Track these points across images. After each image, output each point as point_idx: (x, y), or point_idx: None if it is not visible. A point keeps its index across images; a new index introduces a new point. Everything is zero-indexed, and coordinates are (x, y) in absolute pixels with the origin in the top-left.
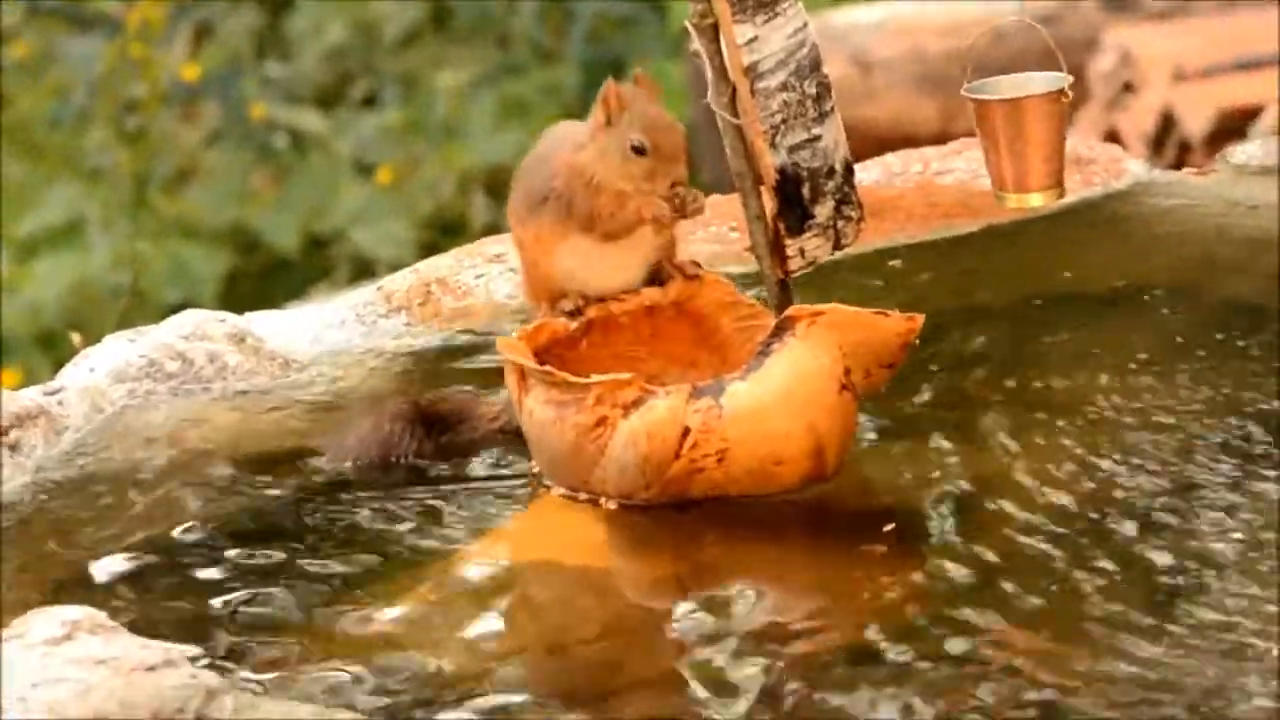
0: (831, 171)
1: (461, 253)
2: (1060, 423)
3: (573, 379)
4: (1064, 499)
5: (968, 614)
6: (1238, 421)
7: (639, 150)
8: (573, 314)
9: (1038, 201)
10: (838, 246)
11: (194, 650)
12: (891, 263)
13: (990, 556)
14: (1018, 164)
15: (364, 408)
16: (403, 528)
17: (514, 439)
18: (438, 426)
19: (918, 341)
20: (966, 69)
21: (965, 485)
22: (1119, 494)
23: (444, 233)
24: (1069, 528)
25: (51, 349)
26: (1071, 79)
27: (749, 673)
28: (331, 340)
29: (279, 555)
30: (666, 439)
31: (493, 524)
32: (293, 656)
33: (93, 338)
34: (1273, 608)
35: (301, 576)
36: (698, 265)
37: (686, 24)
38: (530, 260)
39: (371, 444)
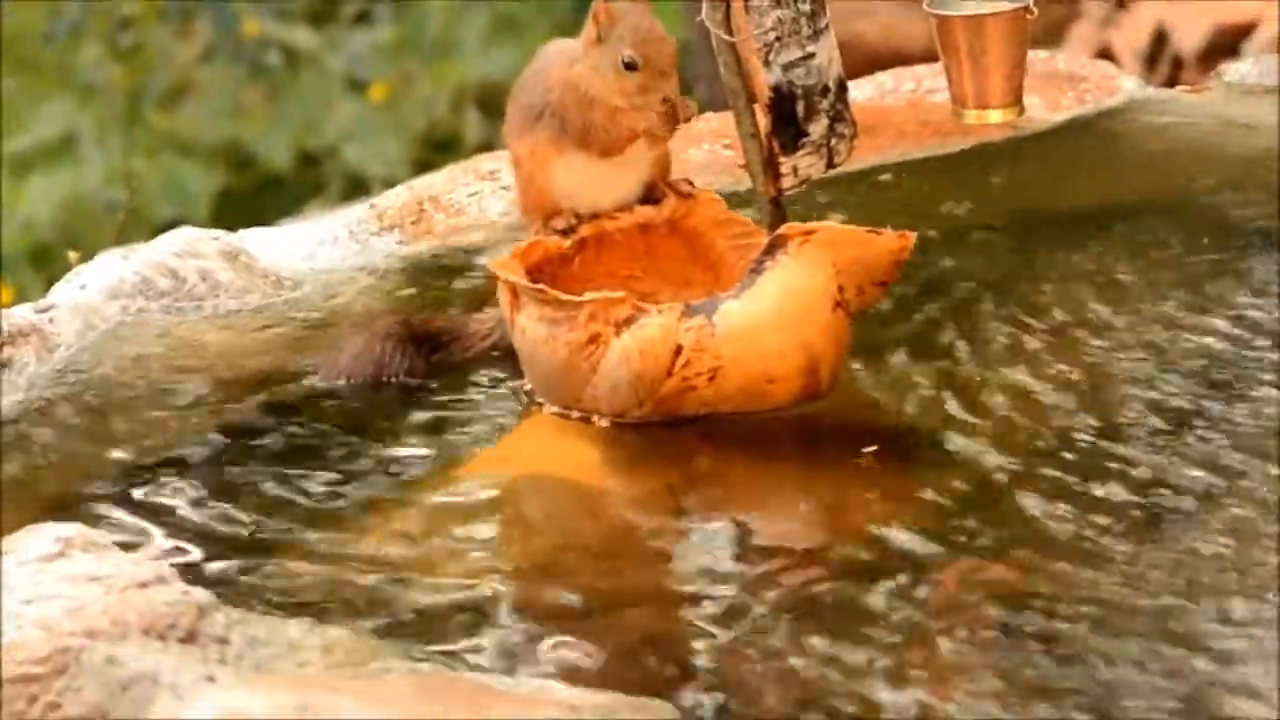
0: (825, 89)
1: (454, 170)
2: (1052, 340)
3: (565, 297)
4: (1063, 420)
5: (959, 530)
6: (1233, 334)
7: (630, 66)
8: (566, 232)
9: (997, 118)
10: (831, 164)
11: (187, 557)
12: (884, 179)
13: (982, 472)
14: (978, 80)
15: (356, 326)
16: (395, 447)
17: (506, 357)
18: (429, 345)
19: (911, 258)
20: None
21: (957, 402)
22: (1113, 411)
23: (437, 150)
24: (1062, 446)
25: (44, 266)
26: None
27: (742, 588)
28: (324, 258)
29: (270, 475)
30: (659, 357)
31: (485, 442)
32: (284, 573)
33: (87, 255)
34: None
35: (292, 496)
36: (691, 183)
37: None
38: (525, 176)
39: (364, 362)
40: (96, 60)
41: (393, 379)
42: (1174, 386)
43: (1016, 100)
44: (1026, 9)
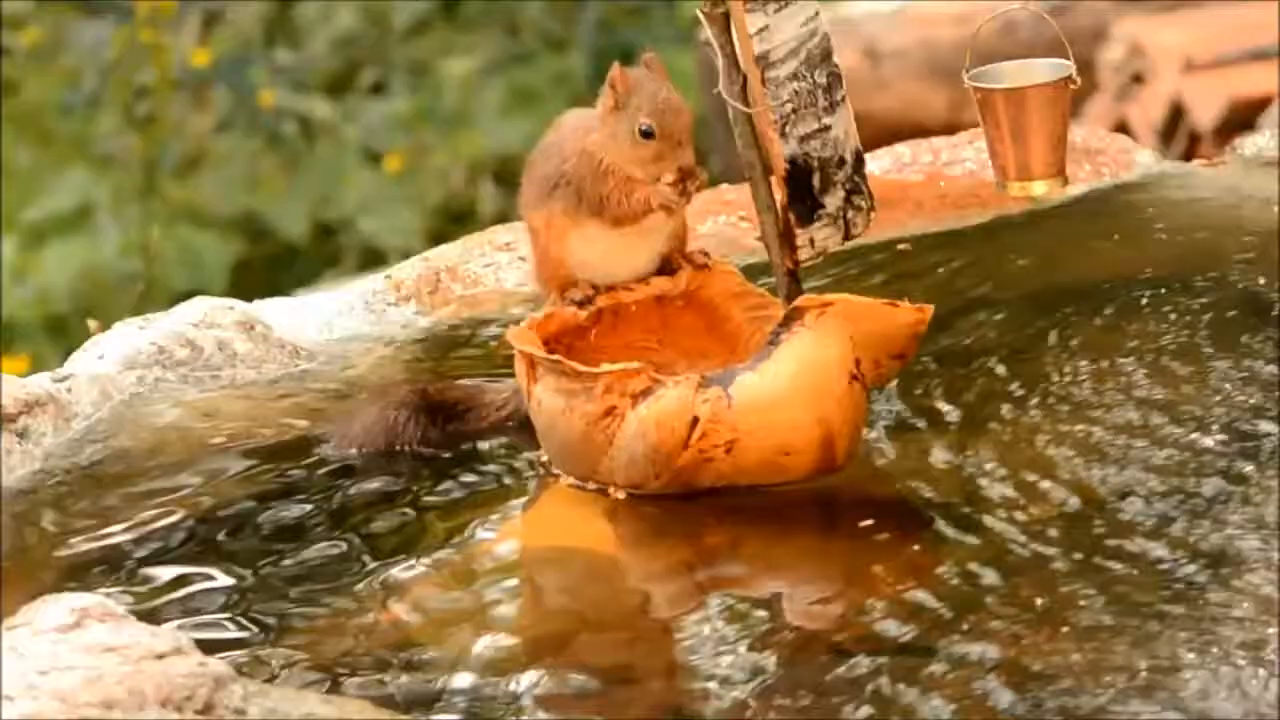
0: (842, 161)
1: (470, 241)
2: (1069, 414)
3: (582, 368)
4: (1073, 492)
5: (975, 607)
6: (1247, 414)
7: (647, 134)
8: (583, 303)
9: (1041, 190)
10: (848, 236)
11: (204, 628)
12: (901, 251)
13: (998, 549)
14: (1020, 152)
15: (370, 395)
16: (410, 517)
17: (521, 428)
18: (444, 414)
19: (927, 332)
20: (967, 57)
21: (975, 477)
22: (1130, 487)
23: (453, 221)
24: (1078, 521)
25: (60, 336)
26: (1075, 67)
27: (759, 662)
28: (340, 328)
29: (285, 546)
30: (675, 429)
31: (502, 513)
32: (302, 645)
33: (105, 324)
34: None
35: (308, 566)
36: (707, 255)
37: (698, 13)
38: (542, 247)
39: (377, 431)
40: (113, 130)
41: (406, 448)
42: (1192, 457)
43: (1060, 171)
44: (1069, 80)
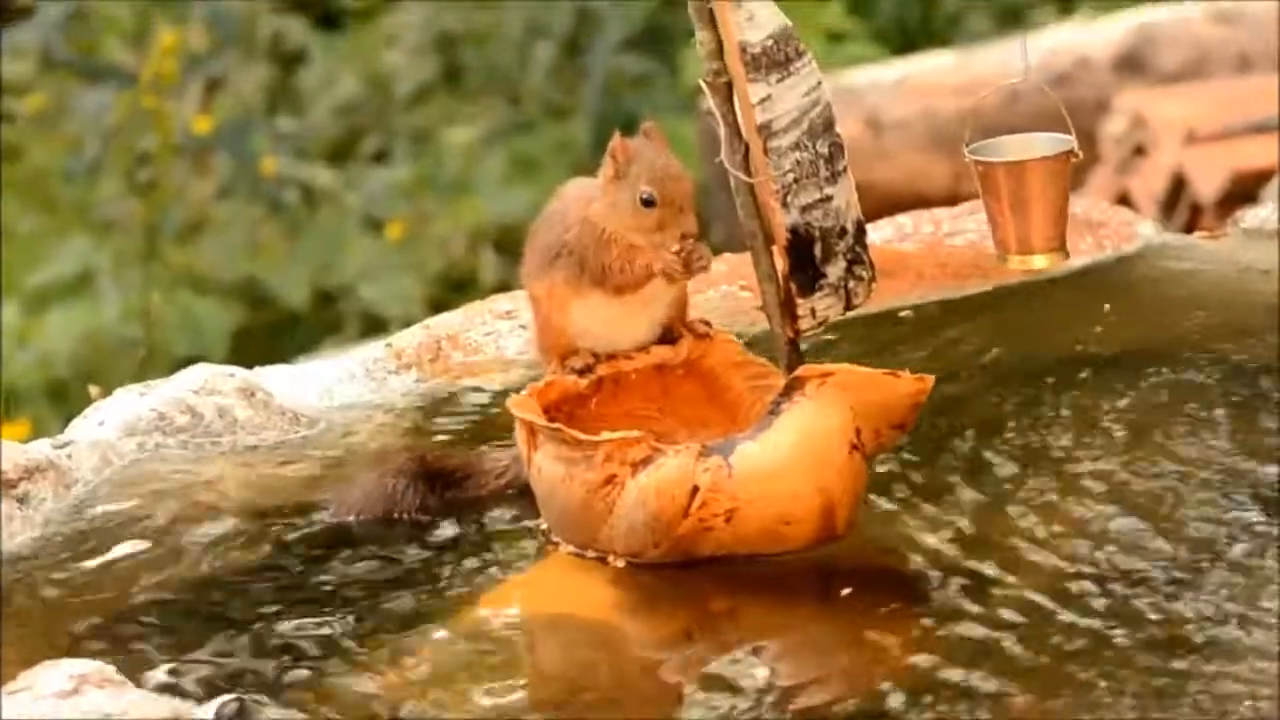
0: (843, 231)
1: (471, 309)
2: (1068, 484)
3: (582, 436)
4: (1071, 561)
5: (976, 675)
6: (1246, 487)
7: (648, 202)
8: (583, 371)
9: (1041, 263)
10: (849, 306)
11: (202, 709)
12: (902, 322)
13: (998, 617)
14: (1021, 226)
15: (369, 462)
16: (408, 584)
17: (521, 495)
18: (442, 482)
19: (927, 402)
20: (966, 130)
21: (973, 545)
22: (1126, 557)
23: (453, 289)
24: (1076, 589)
25: (61, 401)
26: (1075, 141)
27: None
28: (341, 395)
29: (284, 614)
30: (675, 498)
31: (501, 580)
32: (298, 714)
33: (107, 390)
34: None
35: (306, 633)
36: (708, 324)
37: (700, 82)
38: (543, 316)
39: (375, 499)
40: (115, 196)
41: (404, 515)
42: (1190, 529)
43: (1061, 245)
44: (1070, 153)
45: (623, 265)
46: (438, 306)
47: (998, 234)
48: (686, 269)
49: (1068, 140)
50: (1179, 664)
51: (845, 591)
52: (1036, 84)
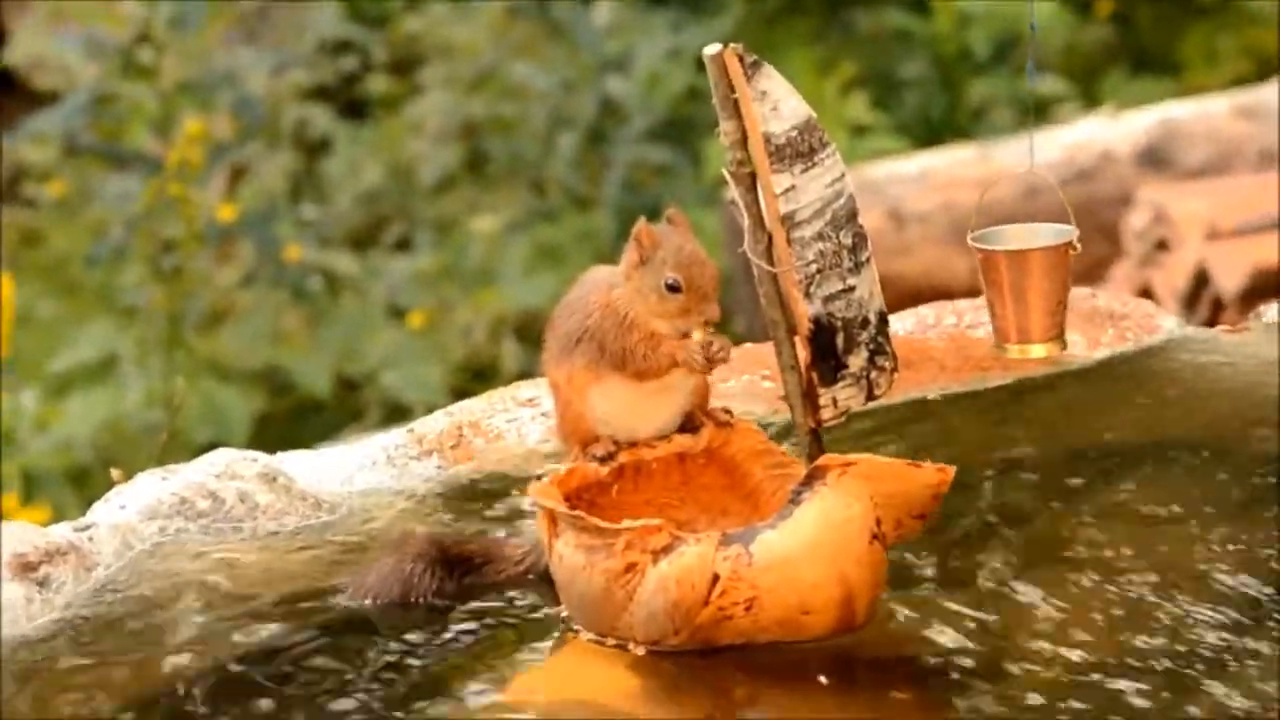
0: (866, 322)
1: (494, 396)
2: (1090, 577)
3: (603, 524)
4: (1092, 654)
5: None
6: (1269, 579)
7: (673, 288)
8: (605, 459)
9: (1040, 353)
10: (870, 397)
11: None
12: (923, 412)
13: (1018, 709)
14: (1020, 315)
15: (387, 547)
16: (425, 670)
17: (540, 582)
18: (461, 567)
19: (949, 492)
20: (973, 218)
21: (994, 637)
22: (1149, 650)
23: (475, 378)
24: (1098, 683)
25: (82, 486)
26: (1078, 232)
27: None
28: (362, 481)
29: (303, 701)
30: (696, 586)
31: (521, 667)
32: None
33: (128, 473)
34: None
35: None
36: (729, 413)
37: (723, 172)
38: (564, 402)
39: (392, 582)
40: (138, 282)
41: (421, 600)
42: (1211, 624)
43: (1059, 335)
44: (1069, 244)
45: (645, 351)
46: (460, 395)
47: (997, 323)
48: (708, 361)
49: (1069, 231)
50: None
51: (884, 683)
52: (1042, 175)
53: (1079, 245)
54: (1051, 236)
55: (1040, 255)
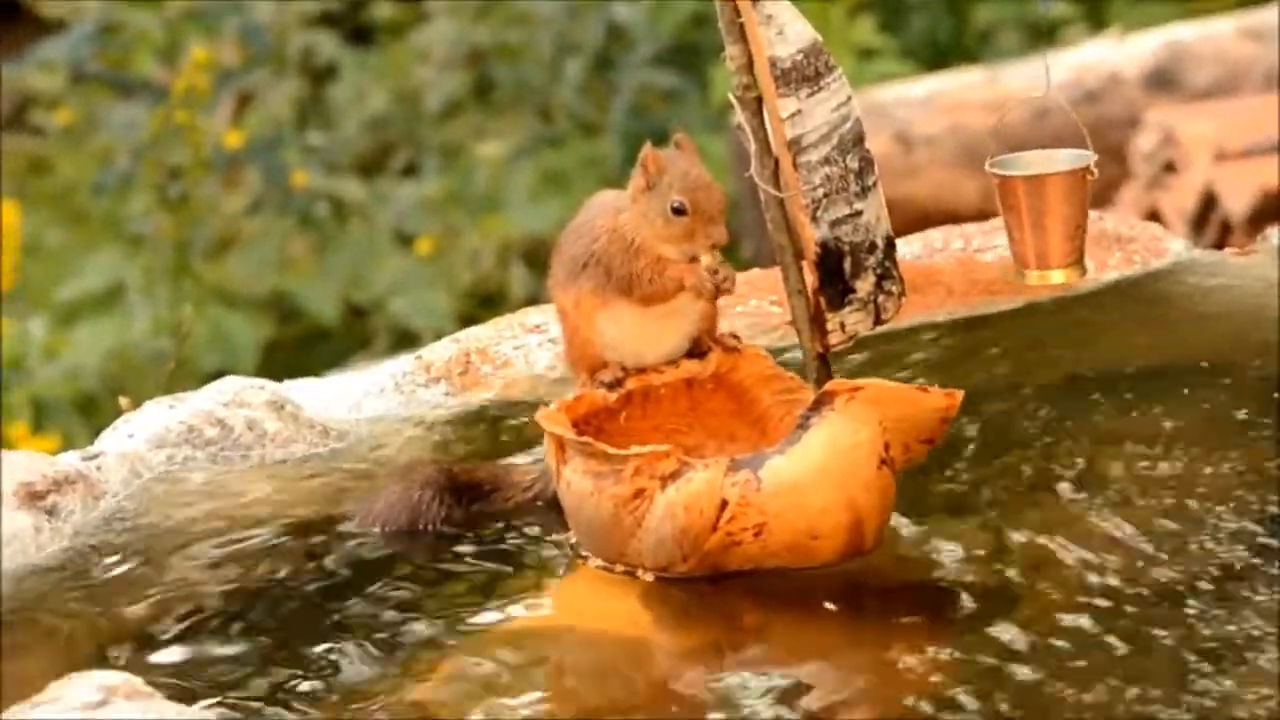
0: (873, 246)
1: (501, 323)
2: (1097, 501)
3: (611, 450)
4: (1099, 578)
5: (1003, 692)
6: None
7: (679, 211)
8: (612, 385)
9: (1059, 279)
10: (878, 321)
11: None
12: (931, 336)
13: (1026, 633)
14: (1040, 241)
15: (395, 474)
16: (433, 597)
17: (548, 509)
18: (469, 494)
19: (956, 415)
20: (993, 144)
21: (1002, 562)
22: (1155, 573)
23: (483, 304)
24: (1104, 606)
25: (90, 414)
26: (1096, 157)
27: None
28: (370, 409)
29: (311, 626)
30: (704, 511)
31: (529, 594)
32: None
33: (136, 402)
34: None
35: (333, 648)
36: (737, 338)
37: (730, 97)
38: (571, 328)
39: (400, 510)
40: (145, 211)
41: (429, 527)
42: (1221, 547)
43: (1078, 260)
44: (1087, 169)
45: (651, 275)
46: (467, 321)
47: (1016, 249)
48: (715, 289)
49: (1087, 156)
50: (1200, 693)
51: (893, 608)
52: (1057, 100)
53: (1096, 170)
54: (1069, 161)
55: (1058, 180)
